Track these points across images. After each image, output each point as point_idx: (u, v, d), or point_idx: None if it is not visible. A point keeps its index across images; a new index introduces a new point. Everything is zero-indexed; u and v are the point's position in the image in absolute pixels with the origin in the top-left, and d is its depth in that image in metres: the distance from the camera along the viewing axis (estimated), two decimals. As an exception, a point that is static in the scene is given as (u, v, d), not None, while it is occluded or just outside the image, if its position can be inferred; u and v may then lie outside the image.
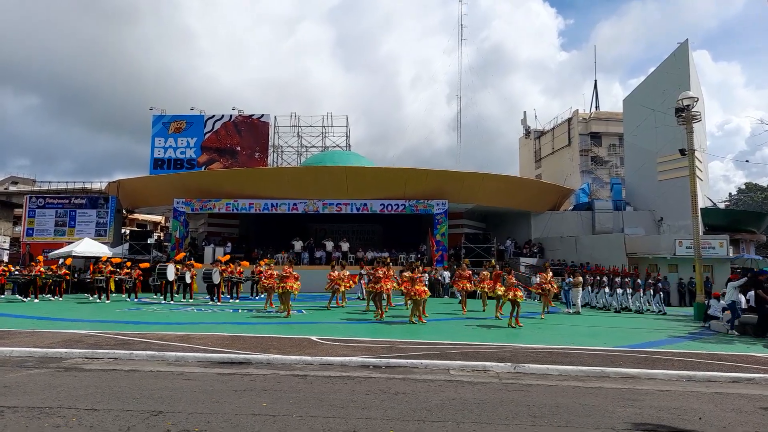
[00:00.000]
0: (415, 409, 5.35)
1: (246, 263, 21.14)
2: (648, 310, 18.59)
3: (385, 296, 14.70)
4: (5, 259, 34.57)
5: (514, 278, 13.40)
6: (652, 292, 19.07)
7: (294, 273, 14.23)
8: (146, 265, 21.15)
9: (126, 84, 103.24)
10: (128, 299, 19.03)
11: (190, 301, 18.57)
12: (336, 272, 16.85)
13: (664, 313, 18.26)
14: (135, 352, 7.97)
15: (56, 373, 6.85)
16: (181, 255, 21.41)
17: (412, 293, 12.60)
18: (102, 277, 18.71)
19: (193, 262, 20.57)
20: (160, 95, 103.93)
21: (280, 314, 13.90)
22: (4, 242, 40.87)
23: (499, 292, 13.49)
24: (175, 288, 18.98)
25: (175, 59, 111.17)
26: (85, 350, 8.12)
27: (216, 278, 18.13)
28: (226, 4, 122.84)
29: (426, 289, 13.08)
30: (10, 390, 5.85)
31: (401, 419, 4.99)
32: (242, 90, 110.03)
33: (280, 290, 13.84)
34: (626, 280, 19.55)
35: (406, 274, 13.38)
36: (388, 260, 16.15)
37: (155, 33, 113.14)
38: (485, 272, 16.66)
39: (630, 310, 18.62)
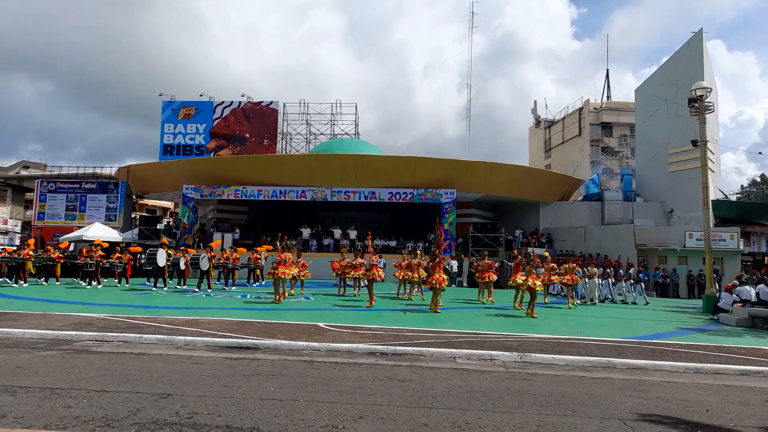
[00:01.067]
0: (422, 396, 5.37)
1: (243, 250, 20.71)
2: (623, 300, 18.47)
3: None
4: (17, 242, 34.96)
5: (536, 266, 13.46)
6: (632, 283, 18.94)
7: (290, 259, 14.27)
8: (138, 249, 20.95)
9: (138, 71, 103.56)
10: (118, 285, 18.55)
11: (184, 287, 17.79)
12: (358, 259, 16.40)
13: (647, 303, 18.17)
14: (144, 335, 8.06)
15: (67, 355, 6.95)
16: (164, 240, 21.11)
17: (433, 281, 12.66)
18: (92, 262, 18.05)
19: (187, 248, 20.28)
20: (172, 82, 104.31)
21: (284, 298, 13.93)
22: (16, 226, 41.30)
23: (519, 281, 13.39)
24: (167, 274, 17.93)
25: (187, 46, 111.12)
26: (96, 333, 8.22)
27: (204, 264, 17.19)
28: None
29: (446, 277, 13.13)
30: (22, 371, 5.95)
31: (407, 406, 5.02)
32: (253, 77, 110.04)
33: (273, 276, 13.78)
34: (608, 270, 19.48)
35: (411, 261, 13.43)
36: (379, 248, 16.38)
37: (168, 20, 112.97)
38: (488, 261, 16.70)
39: (614, 302, 18.53)
